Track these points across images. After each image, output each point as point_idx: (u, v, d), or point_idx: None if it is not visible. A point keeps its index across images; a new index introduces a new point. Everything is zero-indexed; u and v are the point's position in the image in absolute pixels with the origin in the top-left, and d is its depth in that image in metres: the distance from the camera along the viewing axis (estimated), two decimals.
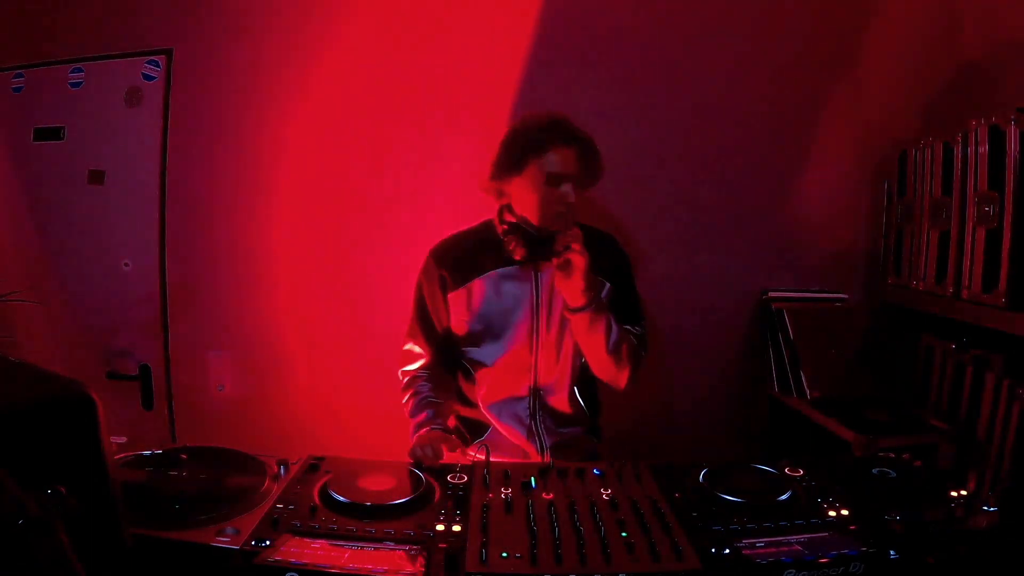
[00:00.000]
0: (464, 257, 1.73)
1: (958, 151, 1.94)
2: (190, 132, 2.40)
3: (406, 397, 1.79)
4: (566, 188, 1.60)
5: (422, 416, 1.72)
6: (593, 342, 1.65)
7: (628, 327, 1.71)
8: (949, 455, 1.87)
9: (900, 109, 2.36)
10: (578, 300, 1.59)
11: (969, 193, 1.89)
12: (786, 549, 1.12)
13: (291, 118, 2.39)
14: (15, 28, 2.42)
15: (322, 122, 2.39)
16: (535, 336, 1.71)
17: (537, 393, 1.74)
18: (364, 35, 2.35)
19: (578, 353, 1.74)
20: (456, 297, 1.72)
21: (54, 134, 2.44)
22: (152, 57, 2.39)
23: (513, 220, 1.69)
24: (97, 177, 2.44)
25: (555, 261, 1.57)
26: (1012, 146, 1.73)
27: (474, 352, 1.75)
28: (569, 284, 1.58)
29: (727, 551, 1.12)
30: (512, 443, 1.75)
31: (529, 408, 1.74)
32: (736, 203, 2.40)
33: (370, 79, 2.36)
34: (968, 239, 1.89)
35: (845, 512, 1.26)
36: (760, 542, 1.15)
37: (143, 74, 2.40)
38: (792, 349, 2.22)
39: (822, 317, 2.29)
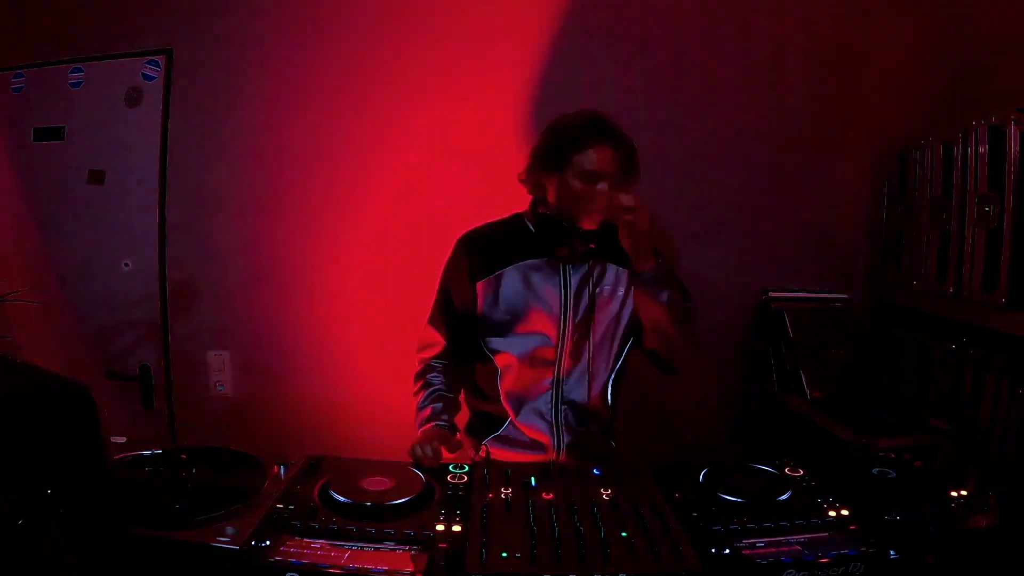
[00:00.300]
0: (493, 247, 1.73)
1: (958, 151, 1.94)
2: (190, 132, 2.40)
3: (418, 388, 1.77)
4: (602, 186, 1.59)
5: (428, 411, 1.71)
6: (661, 312, 1.61)
7: None
8: (949, 455, 1.87)
9: (900, 109, 2.36)
10: (647, 262, 1.57)
11: (969, 193, 1.89)
12: (786, 549, 1.12)
13: (291, 118, 2.39)
14: (15, 28, 2.42)
15: (323, 122, 2.39)
16: (563, 329, 1.70)
17: (560, 388, 1.73)
18: (366, 33, 2.35)
19: (608, 350, 1.74)
20: (484, 286, 1.71)
21: (54, 134, 2.44)
22: (152, 57, 2.39)
23: (546, 213, 1.69)
24: (97, 177, 2.44)
25: (621, 223, 1.54)
26: (1012, 146, 1.73)
27: (498, 342, 1.73)
28: (636, 246, 1.56)
29: (727, 551, 1.12)
30: (528, 438, 1.74)
31: (551, 402, 1.73)
32: (736, 203, 2.40)
33: (372, 77, 2.36)
34: (968, 239, 1.89)
35: (845, 512, 1.26)
36: (760, 542, 1.15)
37: (143, 74, 2.40)
38: (792, 349, 2.22)
39: (822, 317, 2.30)
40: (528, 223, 1.73)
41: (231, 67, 2.38)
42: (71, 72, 2.42)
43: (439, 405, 1.72)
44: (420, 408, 1.73)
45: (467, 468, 1.43)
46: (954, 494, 1.31)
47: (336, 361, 2.45)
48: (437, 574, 1.06)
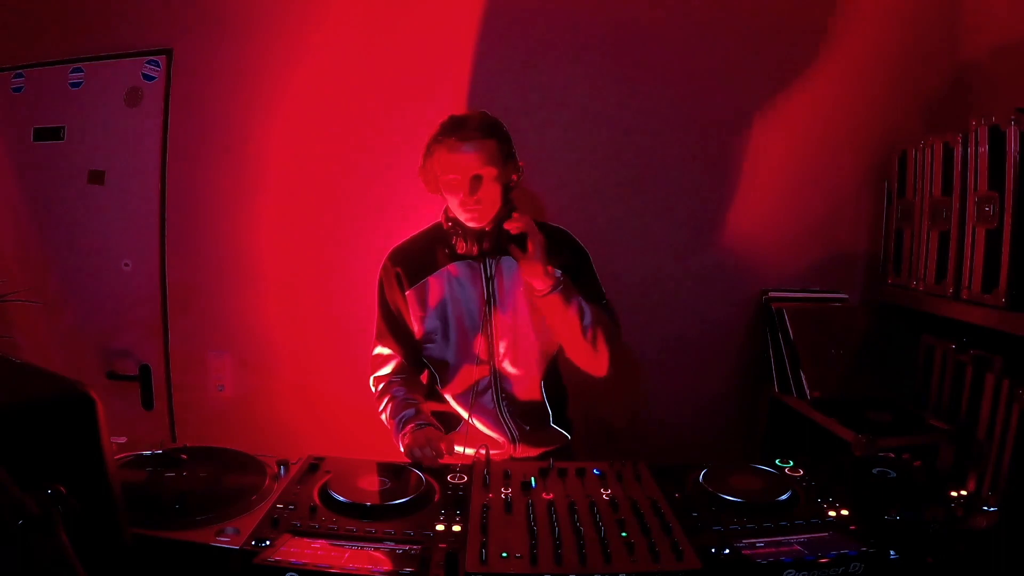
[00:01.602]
0: (417, 255, 1.77)
1: (958, 151, 1.94)
2: (190, 132, 2.40)
3: (383, 401, 1.76)
4: (464, 184, 1.61)
5: (404, 413, 1.70)
6: (568, 327, 1.64)
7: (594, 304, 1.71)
8: (949, 455, 1.87)
9: (900, 109, 2.36)
10: (544, 282, 1.59)
11: (969, 193, 1.89)
12: (786, 549, 1.12)
13: (292, 118, 2.39)
14: (15, 28, 2.42)
15: (323, 122, 2.39)
16: (489, 326, 1.73)
17: (497, 383, 1.76)
18: (367, 34, 2.35)
19: (535, 340, 1.75)
20: (412, 295, 1.75)
21: (54, 134, 2.44)
22: (152, 57, 2.39)
23: (453, 215, 1.71)
24: (97, 177, 2.44)
25: (512, 249, 1.59)
26: (1012, 146, 1.73)
27: (433, 348, 1.78)
28: (531, 268, 1.59)
29: (727, 551, 1.12)
30: (485, 434, 1.78)
31: (493, 398, 1.76)
32: (736, 203, 2.40)
33: (371, 78, 2.37)
34: (968, 239, 1.89)
35: (845, 512, 1.26)
36: (760, 542, 1.15)
37: (143, 74, 2.40)
38: (792, 349, 2.22)
39: (822, 317, 2.29)
40: (444, 228, 1.75)
41: (231, 67, 2.38)
42: (71, 72, 2.42)
43: (411, 411, 1.70)
44: (394, 416, 1.71)
45: (467, 468, 1.43)
46: (954, 494, 1.31)
47: (337, 361, 2.45)
48: (437, 574, 1.06)
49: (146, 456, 1.40)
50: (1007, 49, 2.11)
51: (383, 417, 1.76)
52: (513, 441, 1.77)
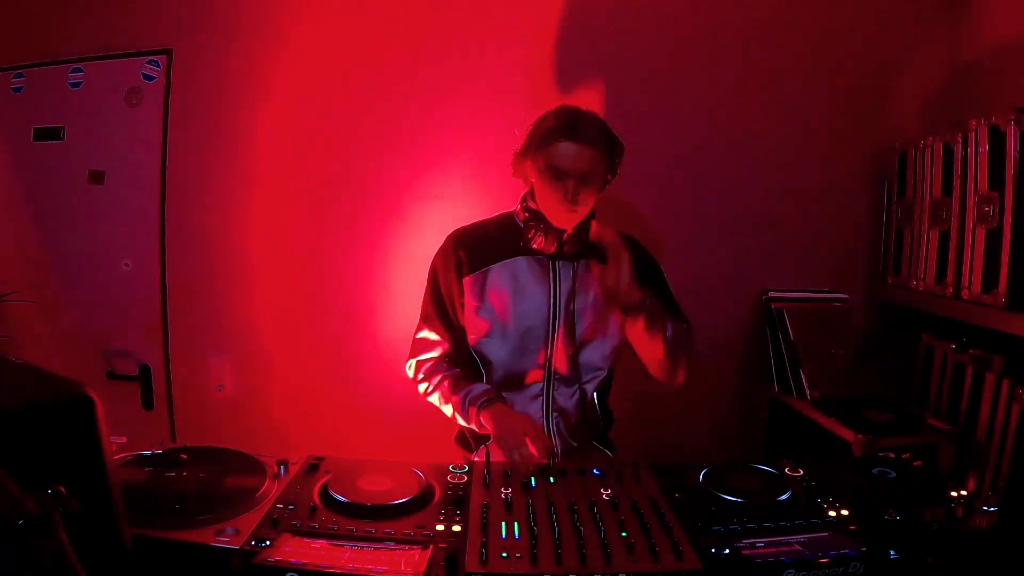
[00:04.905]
0: (483, 243, 1.69)
1: (958, 151, 1.94)
2: (190, 132, 2.40)
3: (431, 384, 1.70)
4: (567, 185, 1.54)
5: (470, 388, 1.61)
6: (652, 343, 1.57)
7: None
8: (949, 455, 1.87)
9: (900, 109, 2.36)
10: (631, 298, 1.49)
11: (969, 193, 1.89)
12: (786, 549, 1.12)
13: (292, 118, 2.39)
14: (15, 28, 2.42)
15: (323, 122, 2.39)
16: (552, 330, 1.66)
17: (551, 391, 1.68)
18: (366, 34, 2.36)
19: (598, 356, 1.69)
20: (471, 282, 1.67)
21: (54, 134, 2.44)
22: (152, 57, 2.39)
23: (534, 207, 1.65)
24: (97, 177, 2.44)
25: (594, 265, 1.53)
26: (1012, 146, 1.73)
27: (485, 343, 1.69)
28: (615, 282, 1.49)
29: (727, 551, 1.12)
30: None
31: (542, 409, 1.69)
32: (736, 203, 2.40)
33: (372, 78, 2.36)
34: (968, 239, 1.89)
35: (845, 512, 1.26)
36: (760, 542, 1.15)
37: (143, 74, 2.40)
38: (792, 349, 2.22)
39: (822, 317, 2.30)
40: (518, 220, 1.69)
41: (231, 67, 2.38)
42: (71, 72, 2.42)
43: (481, 385, 1.63)
44: (453, 393, 1.64)
45: (467, 468, 1.43)
46: (954, 494, 1.31)
47: (337, 361, 2.45)
48: (437, 574, 1.06)
49: (146, 456, 1.40)
50: (1007, 49, 2.11)
51: (433, 398, 1.69)
52: (550, 456, 1.67)
